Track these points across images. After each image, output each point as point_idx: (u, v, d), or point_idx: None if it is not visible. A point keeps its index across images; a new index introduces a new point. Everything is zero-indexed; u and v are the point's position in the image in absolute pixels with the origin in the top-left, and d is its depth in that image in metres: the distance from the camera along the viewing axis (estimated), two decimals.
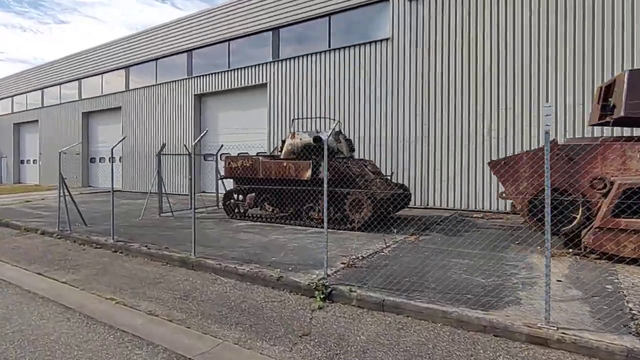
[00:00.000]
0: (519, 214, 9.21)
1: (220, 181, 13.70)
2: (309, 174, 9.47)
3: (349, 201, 9.13)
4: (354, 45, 14.36)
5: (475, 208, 12.09)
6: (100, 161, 25.01)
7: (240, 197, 11.36)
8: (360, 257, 6.69)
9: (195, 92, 19.18)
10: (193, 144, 7.88)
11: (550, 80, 11.14)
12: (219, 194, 14.05)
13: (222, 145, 14.40)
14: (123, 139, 9.00)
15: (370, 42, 14.01)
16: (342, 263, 6.30)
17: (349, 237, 8.52)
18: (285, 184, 9.96)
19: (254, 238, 8.49)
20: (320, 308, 4.91)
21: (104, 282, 6.06)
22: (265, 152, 16.79)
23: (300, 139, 9.92)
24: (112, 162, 8.76)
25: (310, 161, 9.46)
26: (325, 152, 5.44)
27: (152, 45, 20.95)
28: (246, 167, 10.64)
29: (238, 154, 15.72)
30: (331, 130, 5.61)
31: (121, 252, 7.82)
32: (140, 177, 21.64)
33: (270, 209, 10.44)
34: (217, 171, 14.01)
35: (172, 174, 19.91)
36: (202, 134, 7.40)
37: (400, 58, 13.37)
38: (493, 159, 11.75)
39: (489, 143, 11.87)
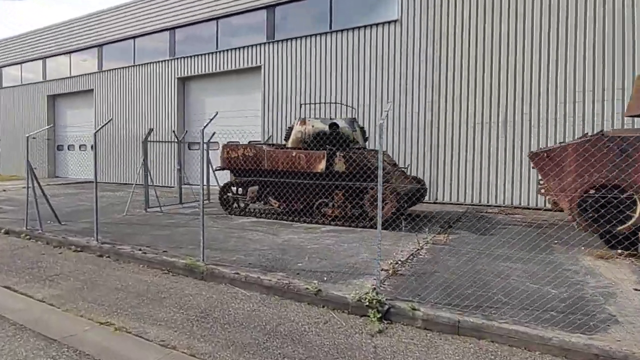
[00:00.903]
0: (556, 210, 8.54)
1: (210, 173, 12.46)
2: (322, 165, 8.45)
3: (369, 196, 8.19)
4: (358, 27, 13.32)
5: (488, 202, 11.43)
6: (69, 149, 22.94)
7: (240, 190, 10.21)
8: (399, 262, 5.78)
9: (179, 75, 17.64)
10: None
11: (579, 68, 10.45)
12: (210, 187, 12.82)
13: (214, 133, 13.11)
14: (109, 121, 7.66)
15: (376, 25, 13.00)
16: (384, 270, 5.36)
17: (370, 235, 7.59)
18: (295, 177, 8.91)
19: (266, 238, 7.42)
20: (380, 332, 3.96)
21: (93, 298, 4.88)
22: (258, 141, 15.59)
23: (313, 126, 8.86)
24: (95, 149, 7.46)
25: (325, 151, 8.44)
26: (375, 139, 4.44)
27: (128, 21, 19.14)
28: (248, 157, 9.49)
29: (227, 142, 14.40)
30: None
31: (109, 257, 6.58)
32: (116, 167, 19.93)
33: (276, 204, 9.36)
34: (208, 161, 12.73)
35: (154, 164, 18.37)
36: (212, 117, 6.23)
37: (409, 42, 12.44)
38: (511, 151, 11.09)
39: (504, 135, 11.18)
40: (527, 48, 10.94)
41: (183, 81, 17.94)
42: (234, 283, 5.22)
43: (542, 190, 7.39)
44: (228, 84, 16.68)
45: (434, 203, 12.09)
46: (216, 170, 10.67)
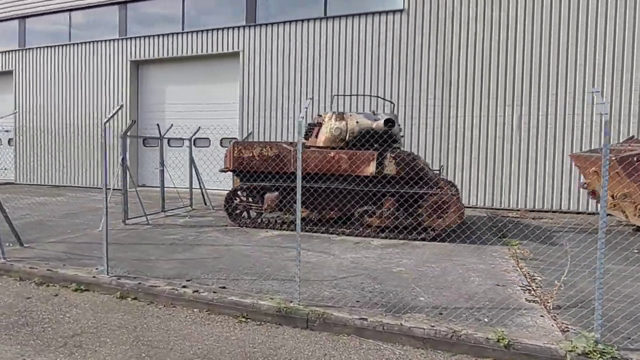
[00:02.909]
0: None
1: (195, 175, 10.48)
2: (372, 168, 7.23)
3: (428, 203, 7.15)
4: (357, 15, 12.20)
5: (501, 206, 11.10)
6: None
7: (250, 197, 8.52)
8: (542, 287, 4.85)
9: (132, 58, 14.92)
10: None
11: (608, 65, 10.34)
12: (193, 190, 10.80)
13: (199, 128, 11.03)
14: (120, 108, 5.56)
15: (378, 13, 12.00)
16: (531, 300, 4.36)
17: (444, 250, 6.57)
18: (332, 181, 7.56)
19: (327, 260, 6.00)
20: None
21: None
22: (235, 138, 13.74)
23: (357, 122, 7.55)
24: (105, 144, 5.46)
25: (375, 152, 7.22)
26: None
27: None
28: (267, 157, 7.89)
29: (194, 139, 12.28)
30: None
31: (135, 299, 4.68)
32: (46, 166, 16.40)
33: (306, 213, 7.89)
34: (192, 161, 10.72)
35: (93, 162, 15.42)
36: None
37: (417, 34, 11.65)
38: (525, 152, 10.82)
39: (518, 135, 10.92)
40: (551, 43, 10.73)
41: (137, 65, 15.23)
42: (362, 333, 3.82)
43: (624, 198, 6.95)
44: (196, 71, 14.47)
45: None
46: (220, 171, 8.83)
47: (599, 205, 8.70)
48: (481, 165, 11.23)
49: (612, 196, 7.50)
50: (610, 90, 10.18)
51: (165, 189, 10.10)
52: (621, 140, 9.38)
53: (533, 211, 10.67)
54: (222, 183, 13.10)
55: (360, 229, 7.59)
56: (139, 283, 4.79)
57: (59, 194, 13.72)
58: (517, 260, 6.04)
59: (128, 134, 8.58)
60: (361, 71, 12.14)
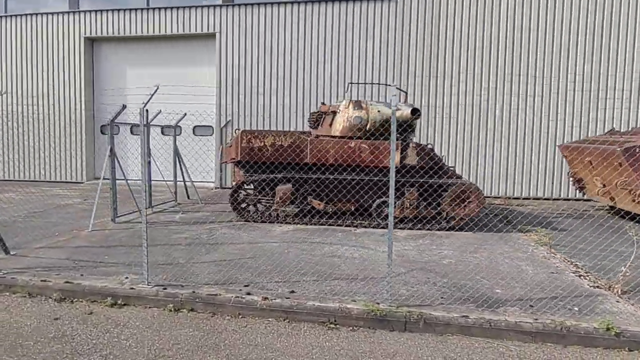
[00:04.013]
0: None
1: (180, 166, 9.63)
2: (397, 158, 7.08)
3: (448, 193, 7.19)
4: (345, 0, 11.88)
5: (490, 194, 11.54)
6: None
7: (257, 191, 7.98)
8: (589, 272, 5.05)
9: (86, 35, 13.21)
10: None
11: (603, 61, 10.82)
12: (177, 183, 9.92)
13: (185, 114, 10.05)
14: (156, 90, 4.74)
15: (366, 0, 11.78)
16: (598, 287, 4.54)
17: (473, 240, 6.65)
18: (351, 173, 7.32)
19: (374, 255, 5.78)
20: None
21: None
22: (210, 126, 12.87)
23: (379, 111, 7.31)
24: (145, 132, 4.60)
25: (398, 142, 7.09)
26: None
27: None
28: (281, 147, 7.41)
29: (162, 127, 11.28)
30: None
31: (193, 310, 4.10)
32: None
33: (321, 206, 7.56)
34: (177, 151, 9.82)
35: (43, 152, 13.60)
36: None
37: (404, 22, 11.59)
38: (514, 141, 11.33)
39: (507, 127, 11.36)
40: (547, 34, 11.23)
41: (92, 42, 13.55)
42: (467, 332, 3.68)
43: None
44: (165, 52, 13.21)
45: None
46: (223, 163, 8.15)
47: (581, 192, 9.46)
48: (465, 154, 11.59)
49: (604, 184, 8.13)
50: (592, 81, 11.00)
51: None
52: (602, 133, 10.17)
53: (514, 199, 11.27)
54: (200, 175, 12.18)
55: (379, 220, 7.46)
56: (193, 292, 4.21)
57: (3, 189, 11.86)
58: (548, 248, 6.28)
59: (115, 120, 7.56)
60: (348, 57, 11.87)
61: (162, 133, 12.65)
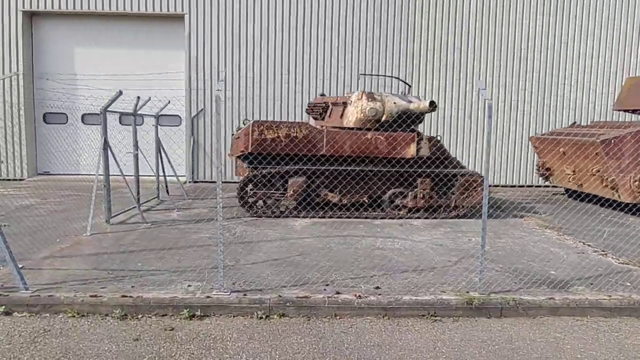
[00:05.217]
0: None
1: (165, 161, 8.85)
2: (413, 150, 7.25)
3: (459, 183, 7.56)
4: None
5: None
6: None
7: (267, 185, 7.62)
8: (608, 251, 5.67)
9: (24, 8, 11.34)
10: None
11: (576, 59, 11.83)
12: (160, 177, 9.09)
13: (168, 102, 9.10)
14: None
15: None
16: None
17: (487, 228, 7.06)
18: (365, 164, 7.34)
19: (413, 245, 5.89)
20: None
21: None
22: (177, 115, 11.96)
23: (394, 103, 7.36)
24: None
25: (414, 134, 7.25)
26: None
27: None
28: (295, 138, 7.17)
29: (120, 115, 10.20)
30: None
31: (282, 315, 3.84)
32: None
33: (336, 198, 7.47)
34: (159, 142, 8.99)
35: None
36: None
37: (383, 6, 11.61)
38: (480, 131, 12.14)
39: (469, 119, 12.16)
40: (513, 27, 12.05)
41: (31, 17, 11.68)
42: (555, 312, 3.96)
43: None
44: (124, 33, 11.84)
45: None
46: (231, 156, 7.63)
47: (547, 180, 10.50)
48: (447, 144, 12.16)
49: (574, 171, 9.15)
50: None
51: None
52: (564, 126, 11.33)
53: (497, 186, 12.02)
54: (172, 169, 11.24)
55: (394, 211, 7.60)
56: (280, 296, 3.94)
57: None
58: (554, 231, 6.91)
59: (109, 108, 6.66)
60: (327, 42, 11.66)
61: (120, 122, 11.51)
